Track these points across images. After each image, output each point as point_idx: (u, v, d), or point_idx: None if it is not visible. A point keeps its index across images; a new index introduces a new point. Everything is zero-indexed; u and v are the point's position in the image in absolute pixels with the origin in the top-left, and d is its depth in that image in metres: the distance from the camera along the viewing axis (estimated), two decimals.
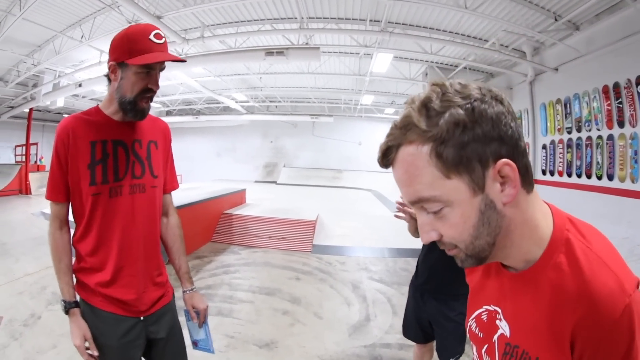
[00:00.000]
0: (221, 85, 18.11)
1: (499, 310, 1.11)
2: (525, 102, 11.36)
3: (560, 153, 9.89)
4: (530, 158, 10.81)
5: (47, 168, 21.58)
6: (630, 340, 0.85)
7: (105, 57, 11.80)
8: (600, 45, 8.28)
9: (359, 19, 10.12)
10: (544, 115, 10.67)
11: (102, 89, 16.93)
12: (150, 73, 1.88)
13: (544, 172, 10.38)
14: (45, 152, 23.47)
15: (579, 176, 9.13)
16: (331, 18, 10.17)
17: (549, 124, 10.45)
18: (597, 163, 8.50)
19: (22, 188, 17.43)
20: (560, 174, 9.80)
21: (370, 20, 9.70)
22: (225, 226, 9.68)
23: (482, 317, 1.19)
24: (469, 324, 1.28)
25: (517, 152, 0.88)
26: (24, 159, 18.78)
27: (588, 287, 0.87)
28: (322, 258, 8.19)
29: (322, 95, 21.32)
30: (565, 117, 9.67)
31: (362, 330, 4.95)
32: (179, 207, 7.45)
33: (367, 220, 12.40)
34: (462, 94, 0.86)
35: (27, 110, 18.47)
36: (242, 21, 10.67)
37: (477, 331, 1.22)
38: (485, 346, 1.18)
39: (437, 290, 2.88)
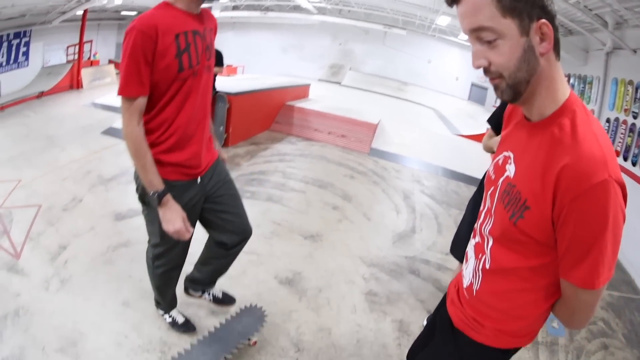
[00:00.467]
0: None
1: (511, 155, 1.32)
2: (599, 70, 10.57)
3: (622, 133, 9.08)
4: None
5: (102, 63, 21.41)
6: (603, 220, 1.04)
7: None
8: None
9: None
10: (614, 90, 9.84)
11: None
12: None
13: None
14: (100, 49, 23.50)
15: (634, 164, 8.37)
16: None
17: (617, 101, 9.62)
18: None
19: (73, 84, 17.17)
20: (617, 153, 8.91)
21: None
22: (285, 117, 9.48)
23: (499, 161, 1.39)
24: (488, 170, 1.48)
25: (553, 24, 1.10)
26: (76, 57, 18.42)
27: (577, 145, 1.07)
28: (378, 162, 7.97)
29: (397, 8, 19.75)
30: (634, 100, 8.87)
31: (406, 241, 4.81)
32: (238, 94, 7.37)
33: (426, 136, 11.91)
34: None
35: (80, 13, 17.96)
36: None
37: (492, 173, 1.43)
38: (491, 188, 1.40)
39: None
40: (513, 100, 1.19)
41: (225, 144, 7.28)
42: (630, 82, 9.09)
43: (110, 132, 7.73)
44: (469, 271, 1.47)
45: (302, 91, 11.69)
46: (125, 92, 1.94)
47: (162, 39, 1.95)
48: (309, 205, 5.23)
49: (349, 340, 3.09)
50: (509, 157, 1.33)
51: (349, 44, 25.77)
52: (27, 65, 18.56)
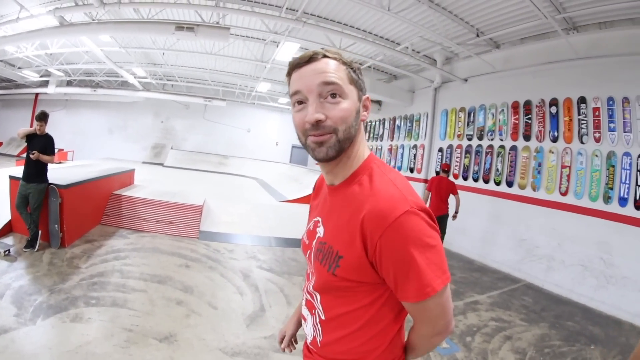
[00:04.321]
0: (124, 58, 16.86)
1: (320, 219, 1.48)
2: (427, 106, 11.70)
3: (458, 157, 10.33)
4: (425, 159, 11.37)
5: None
6: (411, 241, 1.16)
7: (25, 13, 10.54)
8: (518, 66, 8.78)
9: (275, 5, 9.65)
10: (445, 120, 11.02)
11: (12, 50, 15.24)
12: None
13: (437, 173, 10.59)
14: None
15: (475, 180, 9.62)
16: (248, 0, 9.67)
17: (448, 129, 10.84)
18: (497, 170, 9.01)
19: None
20: (455, 176, 10.23)
21: (287, 8, 9.26)
22: (114, 208, 9.14)
23: (310, 227, 1.55)
24: (302, 238, 1.63)
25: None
26: None
27: (374, 192, 1.25)
28: (210, 245, 8.06)
29: (219, 79, 20.72)
30: (468, 124, 10.10)
31: (258, 321, 4.95)
32: (69, 186, 7.14)
33: (253, 208, 12.11)
34: (355, 63, 1.43)
35: None
36: None
37: (306, 239, 1.58)
38: (308, 252, 1.54)
39: None
40: (335, 156, 1.32)
41: (61, 245, 6.81)
42: (462, 109, 10.19)
43: None
44: (309, 328, 1.54)
45: (127, 177, 11.32)
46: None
47: None
48: (153, 304, 5.11)
49: None
50: (318, 221, 1.47)
51: (171, 121, 25.67)
52: None
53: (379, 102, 14.96)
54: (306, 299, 1.55)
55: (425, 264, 1.16)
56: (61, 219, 6.88)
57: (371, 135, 16.01)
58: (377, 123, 15.46)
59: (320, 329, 1.46)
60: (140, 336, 4.31)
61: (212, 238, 8.53)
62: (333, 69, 1.30)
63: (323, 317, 1.43)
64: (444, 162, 10.77)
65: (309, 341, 1.57)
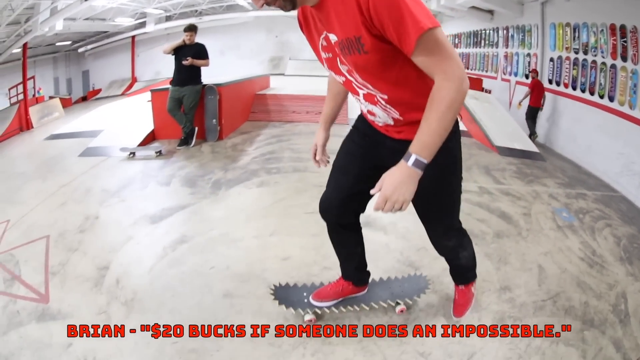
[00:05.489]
0: None
1: (325, 32, 1.51)
2: (536, 18, 11.64)
3: (567, 68, 10.25)
4: (538, 67, 11.52)
5: (47, 98, 19.61)
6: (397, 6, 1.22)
7: None
8: None
9: None
10: (553, 33, 10.95)
11: (102, 3, 15.06)
12: None
13: (550, 82, 10.87)
14: (40, 85, 22.33)
15: (582, 91, 9.47)
16: None
17: (557, 42, 10.76)
18: (600, 84, 8.82)
19: (22, 125, 14.77)
20: (566, 85, 10.18)
21: None
22: (260, 105, 9.39)
23: (323, 44, 1.57)
24: (323, 60, 1.66)
25: None
26: (19, 98, 16.47)
27: None
28: None
29: None
30: (574, 39, 9.94)
31: None
32: (225, 84, 7.36)
33: None
34: None
35: (17, 51, 16.10)
36: None
37: (326, 54, 1.60)
38: (337, 60, 1.56)
39: None
40: (295, 6, 1.46)
41: (220, 137, 7.09)
42: (568, 24, 10.08)
43: (88, 152, 6.66)
44: (383, 117, 1.68)
45: (264, 81, 11.76)
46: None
47: None
48: None
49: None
50: (325, 35, 1.52)
51: (285, 35, 25.40)
52: None
53: (491, 12, 14.94)
54: (363, 95, 1.64)
55: (413, 8, 1.23)
56: (220, 113, 7.13)
57: (486, 42, 16.17)
58: (492, 31, 15.56)
59: (392, 107, 1.60)
60: None
61: None
62: None
63: (387, 97, 1.56)
64: (555, 70, 11.04)
65: (393, 123, 1.69)
